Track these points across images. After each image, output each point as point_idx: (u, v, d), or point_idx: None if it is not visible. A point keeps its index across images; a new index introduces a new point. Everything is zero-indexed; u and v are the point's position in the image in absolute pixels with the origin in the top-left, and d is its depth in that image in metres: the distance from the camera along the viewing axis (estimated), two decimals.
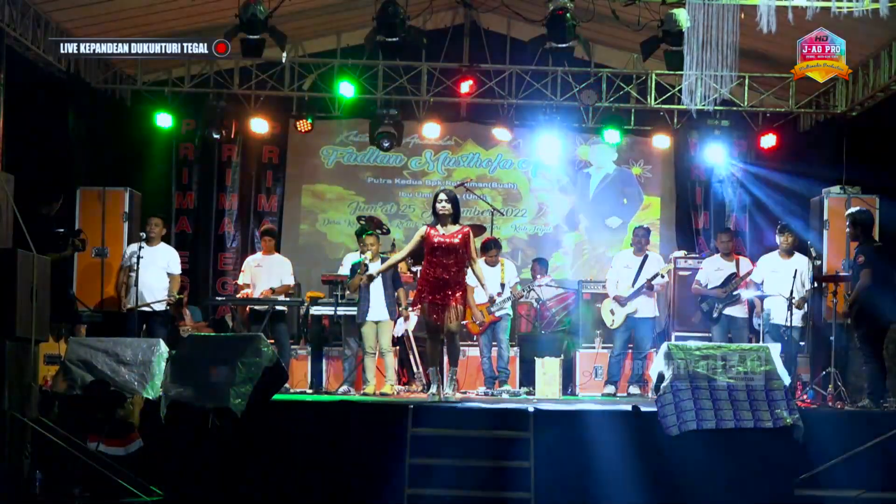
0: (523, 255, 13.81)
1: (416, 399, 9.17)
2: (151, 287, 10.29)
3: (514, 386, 10.71)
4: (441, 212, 8.74)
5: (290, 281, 10.99)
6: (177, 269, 10.69)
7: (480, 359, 10.72)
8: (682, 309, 11.42)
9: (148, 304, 10.19)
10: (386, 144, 12.71)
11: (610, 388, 10.76)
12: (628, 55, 12.77)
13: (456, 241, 8.69)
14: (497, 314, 10.56)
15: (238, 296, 10.97)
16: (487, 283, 10.46)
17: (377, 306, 9.91)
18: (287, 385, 9.65)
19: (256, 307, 10.67)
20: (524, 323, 11.83)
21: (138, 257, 10.07)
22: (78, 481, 7.22)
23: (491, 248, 10.84)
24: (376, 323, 9.96)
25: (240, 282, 11.10)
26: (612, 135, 12.89)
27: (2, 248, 7.14)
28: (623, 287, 10.84)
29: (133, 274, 10.23)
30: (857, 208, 9.57)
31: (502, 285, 10.62)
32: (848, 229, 9.38)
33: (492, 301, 10.23)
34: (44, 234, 8.34)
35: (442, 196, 8.79)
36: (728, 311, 10.54)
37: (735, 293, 10.50)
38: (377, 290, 9.88)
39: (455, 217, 8.81)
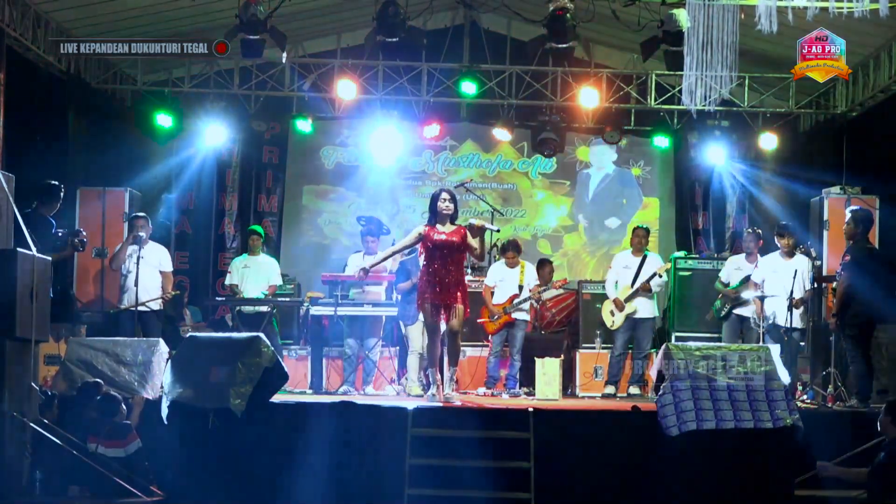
0: (523, 256, 13.77)
1: (415, 399, 9.17)
2: (146, 286, 10.22)
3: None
4: (444, 211, 8.74)
5: (278, 281, 11.01)
6: (169, 266, 10.63)
7: (488, 357, 10.72)
8: (684, 308, 11.41)
9: (144, 303, 10.17)
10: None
11: (610, 388, 10.76)
12: (628, 55, 12.78)
13: (455, 239, 8.70)
14: (513, 315, 10.56)
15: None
16: (506, 283, 10.49)
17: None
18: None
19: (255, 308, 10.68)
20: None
21: (138, 257, 10.06)
22: (77, 482, 7.21)
23: (509, 250, 10.83)
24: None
25: (227, 283, 11.10)
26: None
27: (2, 248, 7.13)
28: (622, 287, 10.84)
29: (126, 275, 10.22)
30: (860, 207, 9.55)
31: (520, 287, 10.61)
32: (847, 225, 9.32)
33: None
34: (44, 234, 8.33)
35: (445, 195, 8.79)
36: (739, 310, 10.49)
37: (742, 295, 10.45)
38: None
39: (454, 217, 8.83)
